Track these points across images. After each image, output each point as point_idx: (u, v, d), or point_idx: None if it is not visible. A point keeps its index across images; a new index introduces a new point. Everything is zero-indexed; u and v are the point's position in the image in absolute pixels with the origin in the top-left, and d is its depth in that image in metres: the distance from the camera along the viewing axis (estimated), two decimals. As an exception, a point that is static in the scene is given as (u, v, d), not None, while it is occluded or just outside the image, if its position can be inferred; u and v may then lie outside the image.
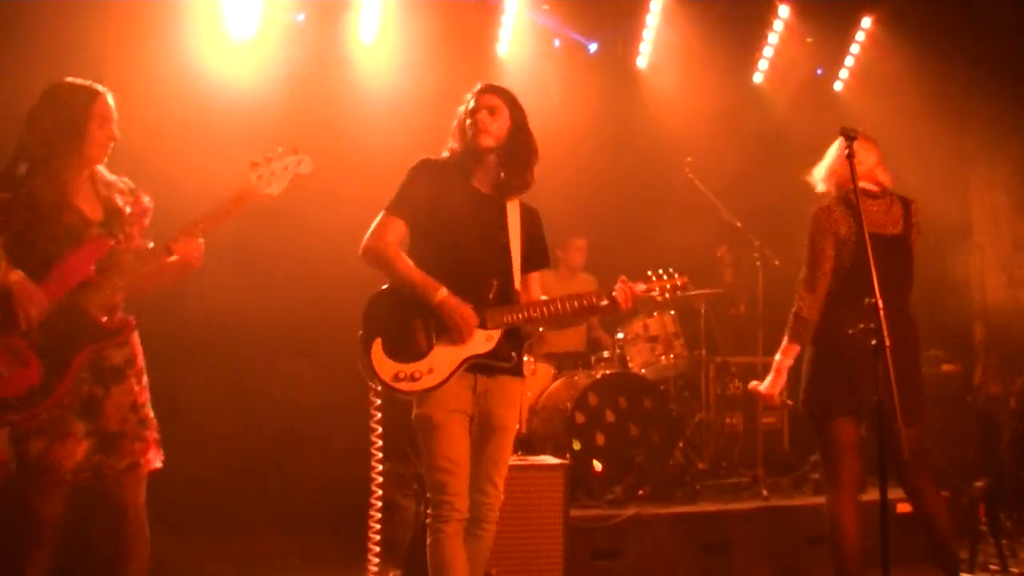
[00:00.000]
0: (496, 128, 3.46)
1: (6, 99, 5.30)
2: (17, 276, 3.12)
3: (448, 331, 3.35)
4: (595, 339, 6.81)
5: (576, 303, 3.50)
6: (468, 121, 3.47)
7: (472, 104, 3.50)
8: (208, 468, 5.55)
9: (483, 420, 3.46)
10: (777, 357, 4.08)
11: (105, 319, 3.27)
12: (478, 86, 3.57)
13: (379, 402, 4.17)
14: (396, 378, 3.32)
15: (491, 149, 3.47)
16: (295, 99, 6.17)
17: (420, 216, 3.45)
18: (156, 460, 3.39)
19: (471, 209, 3.45)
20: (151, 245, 3.37)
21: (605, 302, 3.50)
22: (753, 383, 4.19)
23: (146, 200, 3.51)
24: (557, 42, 6.98)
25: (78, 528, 3.54)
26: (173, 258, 3.32)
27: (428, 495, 3.41)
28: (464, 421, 3.42)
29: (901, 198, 4.13)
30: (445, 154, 3.56)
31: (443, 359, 3.35)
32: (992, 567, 5.09)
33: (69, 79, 3.38)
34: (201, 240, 3.34)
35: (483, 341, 3.38)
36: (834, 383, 3.97)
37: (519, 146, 3.50)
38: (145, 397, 3.40)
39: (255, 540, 5.60)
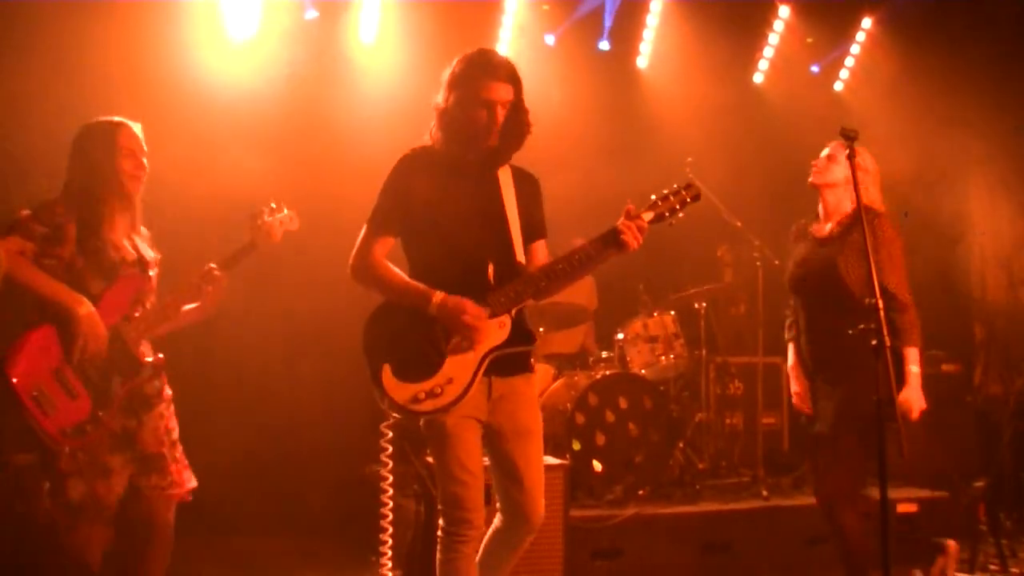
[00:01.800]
0: (502, 119, 3.15)
1: (7, 99, 5.32)
2: (88, 309, 3.18)
3: (457, 335, 3.07)
4: (586, 347, 6.78)
5: (581, 255, 3.12)
6: (480, 116, 3.10)
7: (483, 95, 3.10)
8: (209, 468, 5.53)
9: (507, 428, 3.17)
10: (916, 369, 3.83)
11: (149, 357, 3.36)
12: (480, 63, 3.16)
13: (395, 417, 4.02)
14: (415, 400, 3.02)
15: (496, 144, 3.18)
16: (295, 100, 6.17)
17: (406, 220, 3.16)
18: (191, 480, 3.45)
19: (460, 192, 3.14)
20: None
21: (612, 247, 3.10)
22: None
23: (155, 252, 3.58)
24: (551, 39, 6.97)
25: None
26: (191, 305, 3.45)
27: (442, 508, 3.15)
28: (477, 428, 3.14)
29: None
30: (427, 139, 3.22)
31: (460, 364, 3.05)
32: (992, 567, 5.09)
33: (97, 119, 3.41)
34: (224, 287, 3.44)
35: (496, 331, 3.08)
36: None
37: (516, 123, 3.19)
38: (175, 424, 3.47)
39: (255, 540, 5.61)
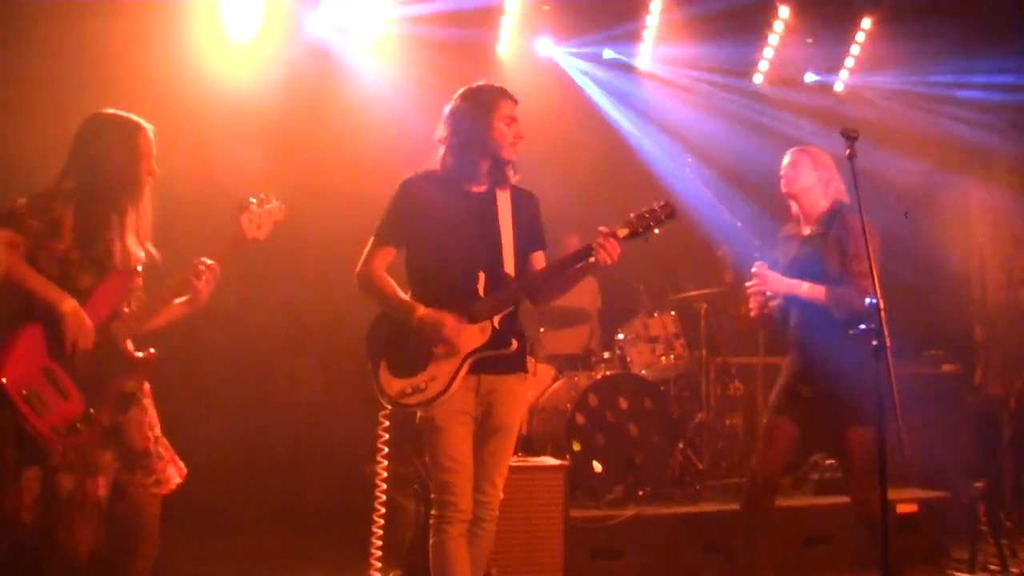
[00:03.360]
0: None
1: (7, 99, 5.33)
2: (72, 306, 3.15)
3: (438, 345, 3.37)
4: (590, 348, 6.78)
5: (557, 268, 3.47)
6: (503, 130, 3.44)
7: (504, 111, 3.46)
8: (209, 468, 5.53)
9: (484, 419, 3.47)
10: (805, 288, 4.01)
11: (140, 353, 3.34)
12: (491, 87, 3.53)
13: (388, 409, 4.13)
14: (402, 394, 3.38)
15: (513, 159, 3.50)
16: (295, 100, 6.18)
17: (407, 234, 3.48)
18: (176, 476, 3.42)
19: (458, 211, 3.45)
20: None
21: (592, 259, 3.37)
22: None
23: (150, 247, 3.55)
24: (546, 43, 6.97)
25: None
26: (181, 299, 3.41)
27: (432, 496, 3.44)
28: (468, 422, 3.44)
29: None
30: (432, 164, 3.53)
31: (443, 364, 3.36)
32: (992, 567, 5.09)
33: (111, 111, 3.40)
34: (215, 280, 3.41)
35: (477, 335, 3.39)
36: None
37: None
38: (156, 418, 3.44)
39: (255, 540, 5.61)
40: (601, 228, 3.37)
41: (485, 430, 3.47)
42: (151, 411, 3.41)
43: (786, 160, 4.20)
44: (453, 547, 3.35)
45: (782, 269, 4.21)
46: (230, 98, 5.89)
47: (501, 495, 3.51)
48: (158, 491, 3.35)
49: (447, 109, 3.54)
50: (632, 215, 3.43)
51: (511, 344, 3.42)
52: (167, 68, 5.71)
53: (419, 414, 3.45)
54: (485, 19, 6.77)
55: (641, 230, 3.41)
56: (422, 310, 3.37)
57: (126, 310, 3.33)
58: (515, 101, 3.51)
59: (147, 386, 3.43)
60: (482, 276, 3.41)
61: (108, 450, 3.25)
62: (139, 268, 3.41)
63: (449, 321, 3.35)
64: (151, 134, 3.40)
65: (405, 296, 3.46)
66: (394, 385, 3.39)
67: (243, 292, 5.82)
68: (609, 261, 3.33)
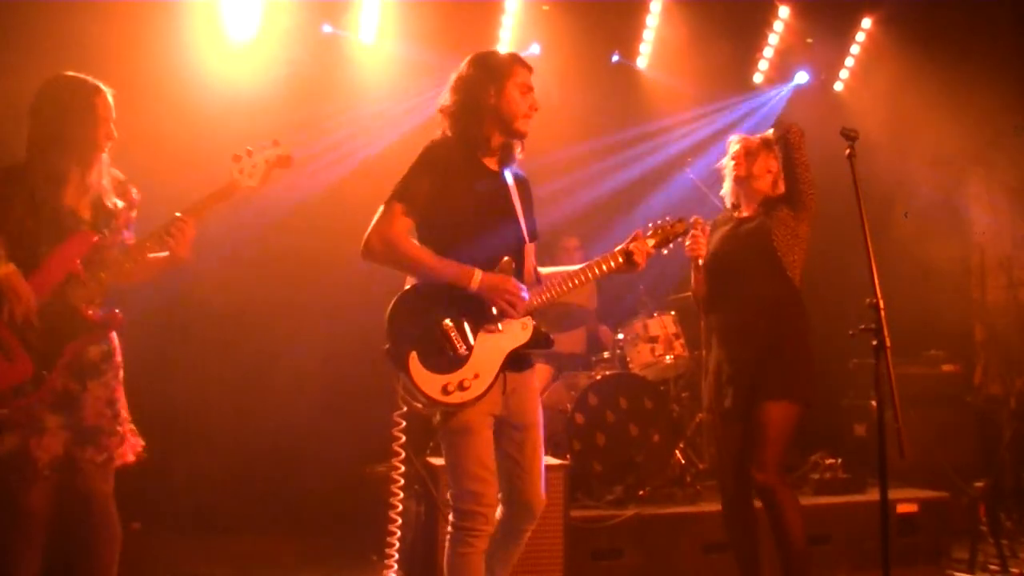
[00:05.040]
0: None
1: (7, 99, 5.32)
2: (9, 269, 3.14)
3: (486, 323, 3.12)
4: (596, 337, 6.79)
5: (596, 270, 3.32)
6: (519, 100, 3.20)
7: (521, 79, 3.23)
8: (208, 469, 5.55)
9: (511, 419, 3.22)
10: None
11: (91, 313, 3.28)
12: (505, 54, 3.31)
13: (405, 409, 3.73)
14: (445, 391, 3.03)
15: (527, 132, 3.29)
16: (295, 100, 6.17)
17: (433, 202, 3.15)
18: (129, 454, 3.39)
19: (481, 188, 3.20)
20: (131, 240, 3.40)
21: (622, 261, 3.34)
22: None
23: (134, 192, 3.52)
24: (537, 48, 6.96)
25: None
26: (161, 254, 3.35)
27: (457, 505, 3.15)
28: (492, 424, 3.19)
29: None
30: (448, 133, 3.27)
31: (486, 360, 3.10)
32: (992, 567, 5.09)
33: (70, 73, 3.37)
34: (189, 234, 3.31)
35: (519, 331, 3.18)
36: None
37: None
38: (121, 393, 3.41)
39: (255, 541, 5.60)
40: (637, 232, 3.41)
41: (516, 431, 3.23)
42: (114, 387, 3.37)
43: (734, 148, 4.27)
44: (478, 562, 3.11)
45: (714, 250, 4.25)
46: (230, 98, 5.89)
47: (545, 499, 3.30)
48: (110, 467, 3.32)
49: (454, 76, 3.28)
50: (652, 228, 3.47)
51: (551, 342, 3.25)
52: (167, 68, 5.71)
53: (438, 415, 3.16)
54: (485, 18, 6.76)
55: (663, 245, 3.49)
56: (480, 272, 3.09)
57: (86, 273, 3.26)
58: (530, 69, 3.26)
59: (118, 360, 3.39)
60: (512, 263, 3.19)
61: (57, 414, 3.22)
62: (106, 230, 3.36)
63: (515, 286, 3.12)
64: (110, 97, 3.36)
65: (453, 261, 3.10)
66: (433, 382, 3.02)
67: (244, 291, 5.82)
68: (643, 265, 3.37)
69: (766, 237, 4.04)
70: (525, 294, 3.19)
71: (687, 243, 4.11)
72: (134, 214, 3.50)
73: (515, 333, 3.17)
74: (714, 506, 5.39)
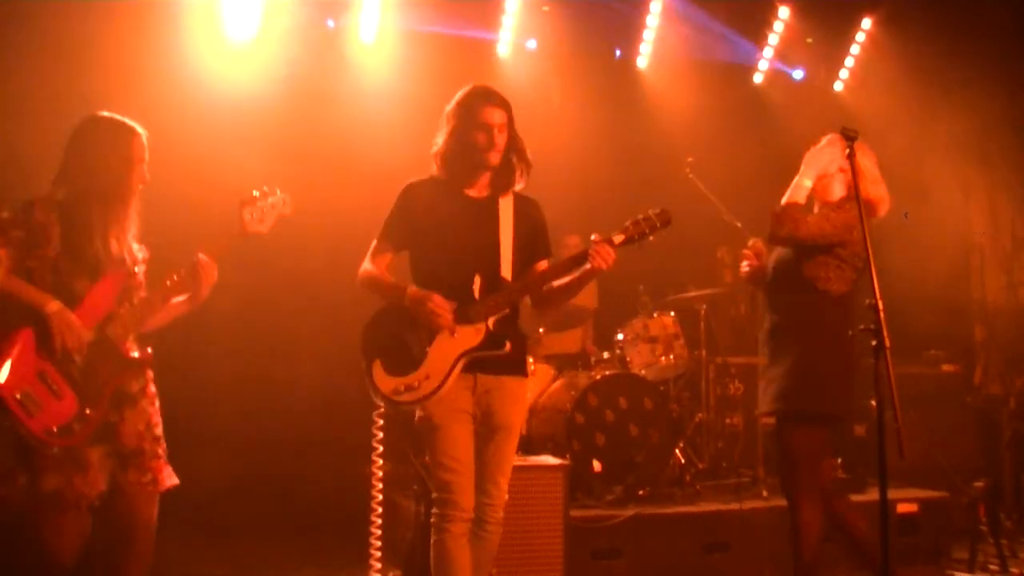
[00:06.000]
0: (502, 143, 3.48)
1: (7, 99, 5.33)
2: (56, 306, 3.16)
3: (432, 330, 3.40)
4: (585, 348, 6.78)
5: (553, 273, 3.53)
6: (480, 138, 3.45)
7: (481, 119, 3.45)
8: (208, 470, 5.53)
9: (485, 419, 3.48)
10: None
11: (136, 353, 3.34)
12: (476, 93, 3.51)
13: (382, 407, 4.13)
14: (396, 392, 3.40)
15: (497, 164, 3.51)
16: (295, 100, 6.18)
17: (410, 237, 3.55)
18: (171, 478, 3.42)
19: (459, 216, 3.50)
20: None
21: (587, 266, 3.43)
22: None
23: (144, 249, 3.55)
24: (533, 43, 6.95)
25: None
26: (180, 298, 3.42)
27: (433, 495, 3.45)
28: (467, 421, 3.46)
29: None
30: (433, 170, 3.55)
31: (437, 363, 3.40)
32: (992, 567, 5.09)
33: (107, 114, 3.39)
34: (214, 276, 3.41)
35: (472, 335, 3.42)
36: (852, 385, 3.97)
37: (514, 151, 3.54)
38: (158, 419, 3.44)
39: (255, 540, 5.60)
40: (593, 236, 3.44)
41: (486, 430, 3.48)
42: (150, 413, 3.40)
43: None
44: (454, 546, 3.36)
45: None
46: (230, 98, 5.89)
47: (505, 497, 3.52)
48: (154, 489, 3.34)
49: (447, 110, 3.55)
50: (628, 222, 3.49)
51: (504, 346, 3.44)
52: (166, 68, 5.71)
53: (417, 413, 3.47)
54: (485, 18, 6.77)
55: (636, 237, 3.47)
56: (412, 288, 3.44)
57: (123, 312, 3.32)
58: (497, 106, 3.47)
59: (152, 390, 3.43)
60: (478, 279, 3.45)
61: (98, 446, 3.23)
62: (136, 270, 3.41)
63: (437, 297, 3.38)
64: (145, 140, 3.39)
65: (396, 281, 3.51)
66: (387, 383, 3.41)
67: (243, 293, 5.80)
68: (604, 267, 3.38)
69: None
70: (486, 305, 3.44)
71: (744, 265, 4.20)
72: (142, 268, 3.51)
73: (467, 337, 3.42)
74: (714, 506, 5.43)
